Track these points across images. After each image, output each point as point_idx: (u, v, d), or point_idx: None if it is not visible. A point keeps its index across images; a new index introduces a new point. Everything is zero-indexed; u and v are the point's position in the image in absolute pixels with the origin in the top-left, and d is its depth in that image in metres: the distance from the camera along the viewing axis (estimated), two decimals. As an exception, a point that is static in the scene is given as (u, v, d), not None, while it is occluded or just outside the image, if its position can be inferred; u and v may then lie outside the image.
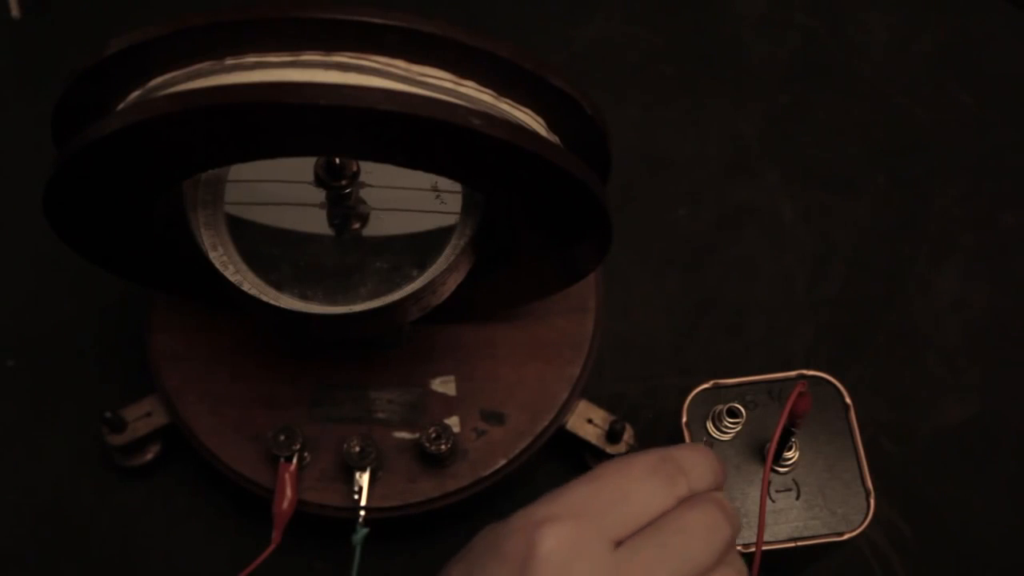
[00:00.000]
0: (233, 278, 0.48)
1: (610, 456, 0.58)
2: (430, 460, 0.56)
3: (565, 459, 0.61)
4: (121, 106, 0.41)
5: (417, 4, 0.73)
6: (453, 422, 0.57)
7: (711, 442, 0.53)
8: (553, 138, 0.45)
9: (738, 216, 0.69)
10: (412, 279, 0.49)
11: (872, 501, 0.51)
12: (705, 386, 0.54)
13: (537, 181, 0.43)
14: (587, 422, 0.59)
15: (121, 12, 0.73)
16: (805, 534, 0.51)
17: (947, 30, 0.74)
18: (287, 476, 0.55)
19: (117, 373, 0.63)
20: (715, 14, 0.74)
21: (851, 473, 0.52)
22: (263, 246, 0.50)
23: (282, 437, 0.55)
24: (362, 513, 0.54)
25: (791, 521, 0.51)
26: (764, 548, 0.51)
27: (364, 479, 0.55)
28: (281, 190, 0.51)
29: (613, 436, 0.58)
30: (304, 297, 0.49)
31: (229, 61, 0.40)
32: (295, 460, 0.55)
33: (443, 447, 0.54)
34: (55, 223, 0.46)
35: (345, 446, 0.55)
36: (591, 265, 0.53)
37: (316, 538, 0.58)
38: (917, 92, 0.72)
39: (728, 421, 0.51)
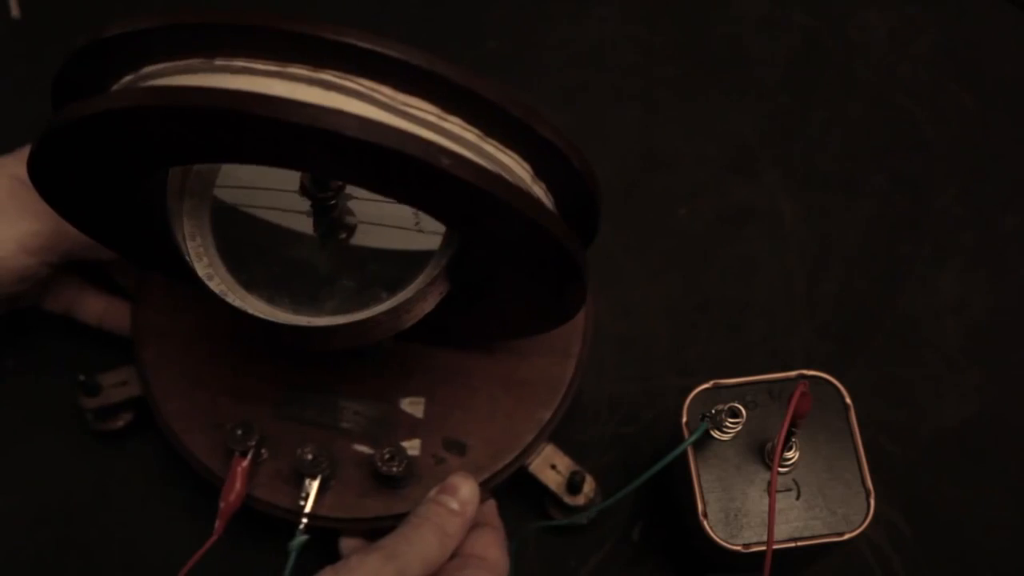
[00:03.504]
0: (204, 271, 0.48)
1: (568, 507, 0.58)
2: (383, 479, 0.55)
3: (524, 500, 0.60)
4: (115, 87, 0.42)
5: (421, 6, 0.73)
6: (414, 445, 0.57)
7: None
8: (538, 186, 0.44)
9: (738, 216, 0.69)
10: (380, 301, 0.48)
11: (872, 501, 0.51)
12: (705, 386, 0.54)
13: (507, 228, 0.43)
14: (550, 467, 0.58)
15: (121, 12, 0.72)
16: (805, 534, 0.51)
17: (947, 30, 0.74)
18: (238, 470, 0.55)
19: (103, 338, 0.63)
20: (715, 14, 0.74)
21: (851, 473, 0.52)
22: (243, 244, 0.50)
23: (239, 431, 0.55)
24: (304, 520, 0.54)
25: (791, 521, 0.51)
26: (764, 548, 0.51)
27: (313, 487, 0.55)
28: (272, 190, 0.51)
29: (573, 487, 0.57)
30: (271, 302, 0.49)
31: (219, 62, 0.41)
32: (250, 456, 0.55)
33: (395, 469, 0.54)
34: (39, 187, 0.47)
35: (298, 451, 0.54)
36: (567, 314, 0.52)
37: (264, 535, 0.58)
38: (917, 92, 0.72)
39: (728, 421, 0.51)
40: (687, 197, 0.69)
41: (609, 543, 0.61)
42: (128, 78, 0.42)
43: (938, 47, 0.73)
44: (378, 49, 0.39)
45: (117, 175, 0.45)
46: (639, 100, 0.72)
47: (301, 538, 0.53)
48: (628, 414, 0.64)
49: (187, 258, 0.48)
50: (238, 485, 0.55)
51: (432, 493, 0.52)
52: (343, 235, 0.50)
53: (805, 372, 0.53)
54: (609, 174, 0.69)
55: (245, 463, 0.55)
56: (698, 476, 0.52)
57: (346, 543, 0.57)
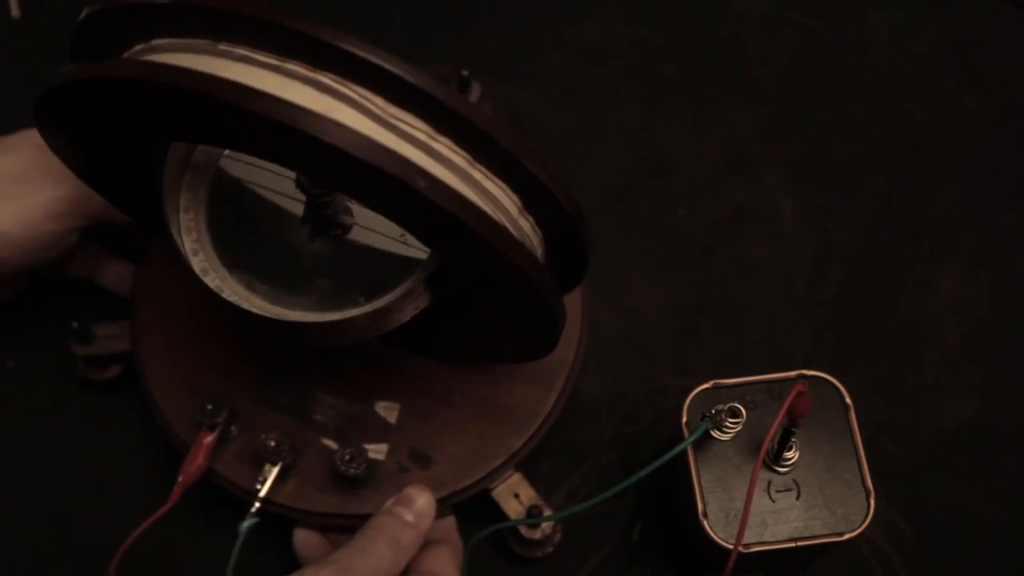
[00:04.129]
0: (190, 245, 0.48)
1: (523, 540, 0.57)
2: (342, 478, 0.55)
3: (486, 524, 0.58)
4: (125, 54, 0.43)
5: (421, 6, 0.73)
6: (381, 449, 0.57)
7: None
8: (526, 220, 0.44)
9: (738, 216, 0.69)
10: (356, 304, 0.48)
11: (872, 501, 0.51)
12: (705, 386, 0.54)
13: (481, 259, 0.43)
14: (513, 496, 0.57)
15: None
16: (805, 534, 0.51)
17: (947, 30, 0.74)
18: (202, 443, 0.55)
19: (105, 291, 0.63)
20: (715, 14, 0.74)
21: (851, 473, 0.52)
22: (236, 225, 0.50)
23: (209, 406, 0.55)
24: (256, 504, 0.54)
25: (791, 521, 0.51)
26: (764, 548, 0.51)
27: (271, 473, 0.55)
28: (277, 173, 0.51)
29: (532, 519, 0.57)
30: (250, 287, 0.49)
31: (222, 47, 0.41)
32: (217, 432, 0.55)
33: (352, 470, 0.54)
34: (44, 134, 0.47)
35: (262, 436, 0.55)
36: (539, 352, 0.52)
37: (223, 511, 0.58)
38: (917, 92, 0.72)
39: (728, 421, 0.51)
40: (687, 197, 0.69)
41: (609, 543, 0.61)
42: (139, 47, 0.43)
43: (938, 46, 0.73)
44: (373, 59, 0.39)
45: (116, 139, 0.46)
46: (639, 100, 0.72)
47: (251, 520, 0.54)
48: (628, 414, 0.64)
49: (172, 230, 0.48)
50: (200, 458, 0.55)
51: (388, 504, 0.52)
52: (336, 232, 0.50)
53: (805, 372, 0.53)
54: (609, 174, 0.69)
55: (210, 438, 0.55)
56: (698, 476, 0.52)
57: (300, 535, 0.56)
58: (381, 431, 0.57)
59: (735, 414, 0.51)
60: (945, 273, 0.67)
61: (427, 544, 0.54)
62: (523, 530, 0.57)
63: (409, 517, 0.51)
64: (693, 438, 0.51)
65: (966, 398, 0.64)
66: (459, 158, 0.41)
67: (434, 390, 0.58)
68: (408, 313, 0.48)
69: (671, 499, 0.60)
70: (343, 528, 0.56)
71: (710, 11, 0.74)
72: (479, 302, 0.49)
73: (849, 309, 0.66)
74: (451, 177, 0.41)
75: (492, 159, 0.42)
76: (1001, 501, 0.62)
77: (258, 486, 0.55)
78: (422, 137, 0.41)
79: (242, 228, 0.50)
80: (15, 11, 0.73)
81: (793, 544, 0.51)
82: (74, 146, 0.48)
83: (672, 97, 0.72)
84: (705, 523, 0.51)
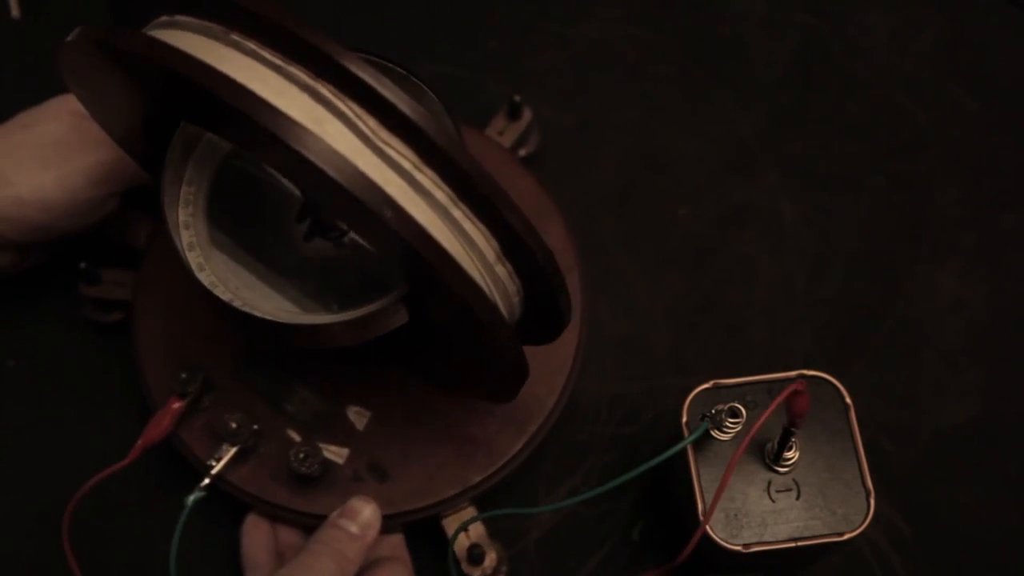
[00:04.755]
0: (184, 217, 0.48)
1: (462, 573, 0.57)
2: (294, 474, 0.55)
3: (431, 548, 0.58)
4: (152, 22, 0.44)
5: (422, 6, 0.73)
6: (342, 453, 0.57)
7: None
8: (504, 266, 0.44)
9: (738, 216, 0.69)
10: (329, 311, 0.48)
11: (872, 501, 0.51)
12: (705, 386, 0.54)
13: (444, 299, 0.42)
14: (463, 529, 0.57)
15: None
16: (805, 534, 0.51)
17: (947, 30, 0.74)
18: (170, 409, 0.55)
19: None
20: (715, 14, 0.74)
21: (851, 473, 0.52)
22: (236, 207, 0.50)
23: (183, 375, 0.55)
24: (207, 480, 0.54)
25: (791, 521, 0.51)
26: (764, 548, 0.51)
27: (227, 453, 0.55)
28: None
29: (473, 557, 0.56)
30: (234, 274, 0.49)
31: (234, 36, 0.42)
32: (187, 401, 0.55)
33: (304, 469, 0.54)
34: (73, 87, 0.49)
35: (225, 416, 0.55)
36: (502, 397, 0.52)
37: (186, 480, 0.57)
38: (917, 92, 0.72)
39: (728, 421, 0.51)
40: (687, 197, 0.69)
41: (609, 543, 0.61)
42: (164, 18, 0.44)
43: (939, 47, 0.73)
44: (369, 80, 0.39)
45: (133, 97, 0.46)
46: (639, 100, 0.72)
47: (198, 494, 0.54)
48: (628, 414, 0.64)
49: (164, 197, 0.48)
50: (164, 423, 0.55)
51: (332, 516, 0.52)
52: (333, 235, 0.50)
53: (805, 372, 0.53)
54: (609, 174, 0.69)
55: (178, 405, 0.55)
56: (698, 476, 0.52)
57: (249, 524, 0.56)
58: (346, 435, 0.57)
59: (735, 414, 0.51)
60: (945, 273, 0.67)
61: (379, 561, 0.54)
62: (464, 566, 0.56)
63: (354, 529, 0.51)
64: (693, 438, 0.51)
65: (966, 398, 0.64)
66: (442, 194, 0.41)
67: (409, 406, 0.58)
68: (383, 329, 0.48)
69: (671, 499, 0.60)
70: (289, 521, 0.56)
71: (710, 11, 0.74)
72: (446, 334, 0.48)
73: (849, 309, 0.66)
74: (427, 211, 0.41)
75: (475, 201, 0.41)
76: (1001, 501, 0.62)
77: (213, 463, 0.55)
78: (407, 166, 0.41)
79: (241, 212, 0.50)
80: (15, 11, 0.73)
81: (793, 544, 0.51)
82: (100, 95, 0.48)
83: (672, 97, 0.72)
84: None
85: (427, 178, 0.41)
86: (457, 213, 0.42)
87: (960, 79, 0.72)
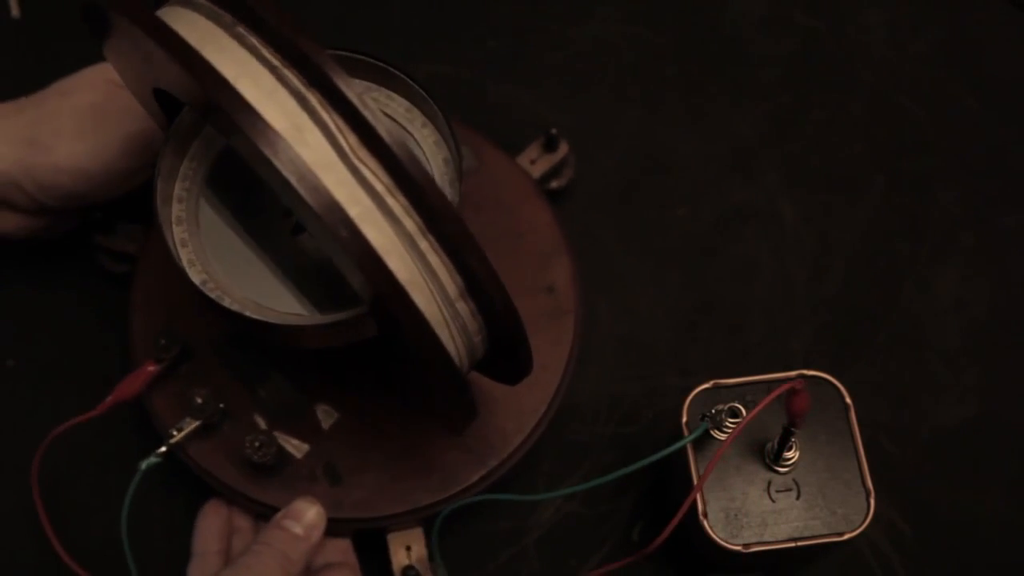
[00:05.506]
0: (180, 189, 0.49)
1: None
2: (247, 460, 0.55)
3: (373, 557, 0.58)
4: (167, 4, 0.45)
5: (422, 6, 0.73)
6: (302, 448, 0.57)
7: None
8: (466, 304, 0.43)
9: (738, 216, 0.69)
10: (303, 307, 0.48)
11: (872, 501, 0.51)
12: (705, 386, 0.54)
13: (393, 326, 0.42)
14: (405, 547, 0.57)
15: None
16: (805, 534, 0.51)
17: (947, 30, 0.74)
18: (143, 371, 0.56)
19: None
20: (715, 14, 0.74)
21: (851, 473, 0.52)
22: (236, 193, 0.50)
23: (163, 340, 0.56)
24: (164, 448, 0.54)
25: (791, 521, 0.51)
26: (764, 548, 0.51)
27: (188, 426, 0.55)
28: None
29: None
30: (215, 257, 0.49)
31: (239, 29, 0.42)
32: (161, 366, 0.56)
33: (256, 457, 0.54)
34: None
35: (192, 390, 0.55)
36: (454, 428, 0.52)
37: (146, 437, 0.58)
38: (917, 92, 0.72)
39: (728, 421, 0.51)
40: (687, 197, 0.69)
41: (609, 543, 0.61)
42: None
43: (939, 47, 0.73)
44: (350, 97, 0.39)
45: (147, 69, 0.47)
46: (639, 100, 0.72)
47: (152, 460, 0.54)
48: (628, 414, 0.64)
49: (161, 169, 0.48)
50: (135, 384, 0.56)
51: (276, 517, 0.51)
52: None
53: (805, 372, 0.53)
54: (609, 174, 0.69)
55: (152, 369, 0.56)
56: (698, 476, 0.52)
57: (207, 510, 0.56)
58: (310, 431, 0.57)
59: (735, 414, 0.51)
60: (945, 273, 0.67)
61: (328, 566, 0.54)
62: None
63: (298, 530, 0.51)
64: (692, 437, 0.51)
65: (966, 398, 0.64)
66: (411, 222, 0.41)
67: (377, 416, 0.57)
68: (352, 338, 0.47)
69: (671, 499, 0.60)
70: (240, 506, 0.56)
71: (710, 11, 0.74)
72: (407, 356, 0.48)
73: (849, 309, 0.66)
74: (391, 236, 0.41)
75: (441, 236, 0.41)
76: (1001, 501, 0.62)
77: (174, 432, 0.55)
78: (379, 188, 0.41)
79: (237, 199, 0.50)
80: (15, 11, 0.73)
81: (793, 544, 0.51)
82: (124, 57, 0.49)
83: (672, 97, 0.72)
84: (705, 523, 0.51)
85: (398, 204, 0.41)
86: (424, 244, 0.41)
87: (960, 79, 0.72)
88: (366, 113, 0.40)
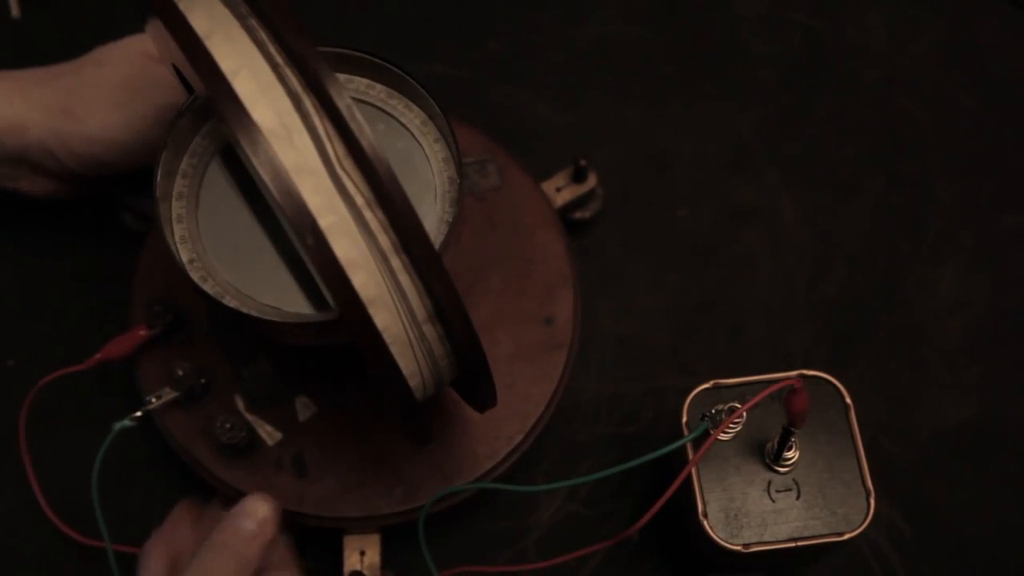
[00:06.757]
0: (185, 165, 0.49)
1: None
2: (215, 439, 0.55)
3: (328, 557, 0.58)
4: None
5: (422, 6, 0.73)
6: (274, 436, 0.56)
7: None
8: (433, 327, 0.43)
9: (738, 216, 0.69)
10: (274, 309, 0.47)
11: (872, 501, 0.51)
12: (705, 386, 0.54)
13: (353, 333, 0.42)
14: (359, 552, 0.56)
15: (121, 12, 0.72)
16: (805, 534, 0.51)
17: (947, 30, 0.74)
18: (133, 335, 0.57)
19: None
20: (715, 14, 0.74)
21: (851, 473, 0.52)
22: (236, 185, 0.50)
23: (157, 308, 0.56)
24: (138, 413, 0.55)
25: (791, 521, 0.51)
26: (764, 548, 0.51)
27: (166, 396, 0.56)
28: None
29: None
30: (208, 243, 0.49)
31: (251, 21, 0.42)
32: (151, 332, 0.56)
33: (224, 438, 0.54)
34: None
35: (176, 362, 0.55)
36: (416, 441, 0.52)
37: (125, 397, 0.59)
38: (917, 92, 0.72)
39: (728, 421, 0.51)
40: (687, 197, 0.69)
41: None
42: None
43: (938, 47, 0.73)
44: (338, 105, 0.39)
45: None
46: (639, 100, 0.72)
47: (125, 423, 0.54)
48: (628, 414, 0.64)
49: (163, 152, 0.48)
50: (124, 344, 0.56)
51: (229, 514, 0.50)
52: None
53: (805, 372, 0.53)
54: (609, 174, 0.69)
55: (142, 333, 0.56)
56: (698, 476, 0.52)
57: (183, 504, 0.55)
58: (286, 421, 0.57)
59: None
60: (945, 273, 0.67)
61: (267, 568, 0.52)
62: None
63: (252, 526, 0.50)
64: (692, 436, 0.51)
65: (966, 398, 0.64)
66: (385, 239, 0.41)
67: (353, 416, 0.57)
68: (327, 338, 0.47)
69: (671, 499, 0.59)
70: (208, 482, 0.56)
71: (710, 11, 0.74)
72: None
73: (849, 309, 0.66)
74: (363, 250, 0.41)
75: (413, 256, 0.41)
76: (1001, 501, 0.62)
77: (152, 400, 0.55)
78: (359, 201, 0.40)
79: (249, 184, 0.50)
80: (15, 11, 0.73)
81: (793, 544, 0.51)
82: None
83: (672, 97, 0.72)
84: (705, 523, 0.51)
85: (375, 220, 0.41)
86: (396, 262, 0.41)
87: (960, 79, 0.72)
88: (352, 124, 0.39)
